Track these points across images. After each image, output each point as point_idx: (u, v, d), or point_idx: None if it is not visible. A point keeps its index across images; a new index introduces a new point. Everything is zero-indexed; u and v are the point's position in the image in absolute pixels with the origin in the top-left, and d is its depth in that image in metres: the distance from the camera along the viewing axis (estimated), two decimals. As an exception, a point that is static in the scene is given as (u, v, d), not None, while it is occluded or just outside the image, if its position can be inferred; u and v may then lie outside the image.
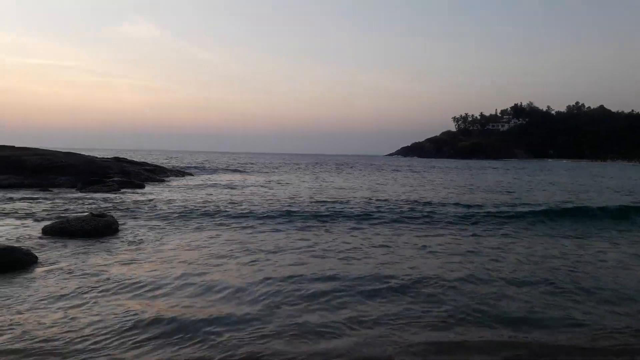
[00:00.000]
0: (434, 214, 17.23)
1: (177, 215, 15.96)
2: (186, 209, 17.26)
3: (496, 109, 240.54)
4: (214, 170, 50.50)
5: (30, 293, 7.28)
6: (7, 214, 15.56)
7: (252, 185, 31.01)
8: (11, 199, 19.99)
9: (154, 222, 14.49)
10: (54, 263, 9.16)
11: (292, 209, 17.50)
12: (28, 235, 12.05)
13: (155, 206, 18.28)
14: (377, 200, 21.65)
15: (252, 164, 73.32)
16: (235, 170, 52.03)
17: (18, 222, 14.18)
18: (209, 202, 20.00)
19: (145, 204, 18.89)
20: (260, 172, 49.51)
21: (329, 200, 21.26)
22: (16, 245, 10.01)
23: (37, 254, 9.50)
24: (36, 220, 14.63)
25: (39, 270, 8.64)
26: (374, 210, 18.08)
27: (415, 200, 21.91)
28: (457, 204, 20.24)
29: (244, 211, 16.99)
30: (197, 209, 17.30)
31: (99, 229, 12.47)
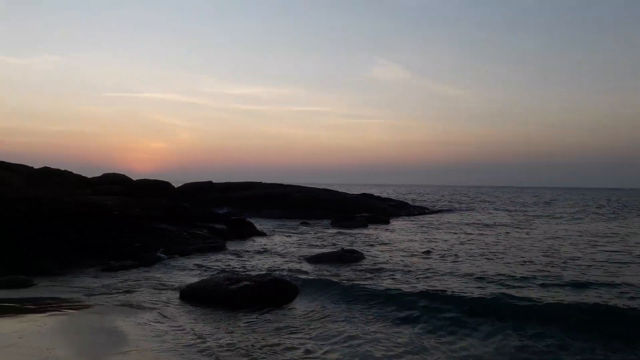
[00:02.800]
0: None
1: (420, 254, 15.72)
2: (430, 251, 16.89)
3: None
4: (468, 206, 48.62)
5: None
6: (267, 249, 17.69)
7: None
8: (281, 226, 22.96)
9: (400, 257, 14.49)
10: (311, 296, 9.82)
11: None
12: (290, 262, 13.37)
13: (391, 241, 18.49)
14: None
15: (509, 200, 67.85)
16: (500, 208, 45.65)
17: (277, 258, 15.90)
18: (449, 246, 19.23)
19: (385, 241, 19.28)
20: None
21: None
22: (276, 273, 11.11)
23: (299, 285, 10.33)
24: (296, 251, 16.23)
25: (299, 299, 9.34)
26: None
27: None
28: None
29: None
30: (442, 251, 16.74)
31: (348, 259, 13.15)
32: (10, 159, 29.55)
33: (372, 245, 17.87)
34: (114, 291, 10.16)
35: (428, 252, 15.85)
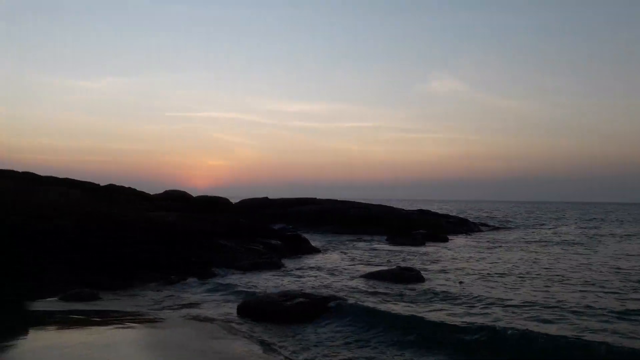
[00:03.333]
0: None
1: (481, 275, 15.11)
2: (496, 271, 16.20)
3: None
4: (531, 223, 46.45)
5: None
6: (321, 265, 17.59)
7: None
8: (336, 242, 22.90)
9: (459, 278, 13.97)
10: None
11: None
12: (344, 279, 13.21)
13: (450, 260, 17.91)
14: None
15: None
16: (567, 225, 43.66)
17: (332, 275, 15.78)
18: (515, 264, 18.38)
19: (443, 259, 18.72)
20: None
21: None
22: (330, 290, 10.98)
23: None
24: (351, 268, 16.06)
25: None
26: None
27: None
28: None
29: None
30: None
31: (404, 282, 12.82)
32: (79, 176, 31.27)
33: (429, 263, 17.40)
34: (175, 305, 10.40)
35: (490, 273, 15.11)
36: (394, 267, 14.79)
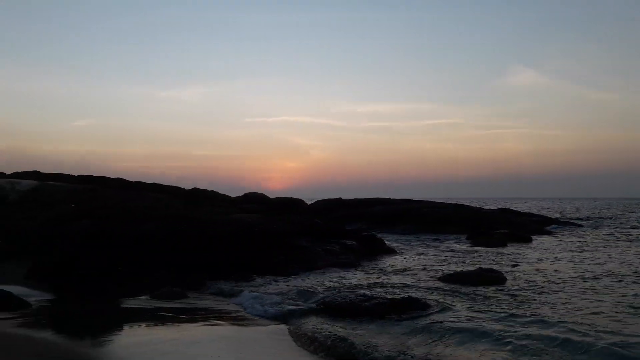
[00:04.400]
0: None
1: (573, 279, 14.24)
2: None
3: None
4: (625, 221, 42.54)
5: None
6: (398, 266, 17.40)
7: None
8: (412, 243, 22.59)
9: (546, 281, 13.27)
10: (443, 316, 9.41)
11: None
12: (425, 282, 13.01)
13: (535, 262, 17.01)
14: None
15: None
16: None
17: (408, 275, 15.58)
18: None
19: (527, 261, 17.85)
20: None
21: None
22: (416, 293, 10.84)
23: (431, 304, 9.96)
24: (427, 269, 15.77)
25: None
26: None
27: None
28: None
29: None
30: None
31: (485, 284, 12.38)
32: (164, 181, 33.18)
33: (512, 265, 16.66)
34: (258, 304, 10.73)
35: (583, 277, 14.03)
36: (475, 268, 14.34)
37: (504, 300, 10.80)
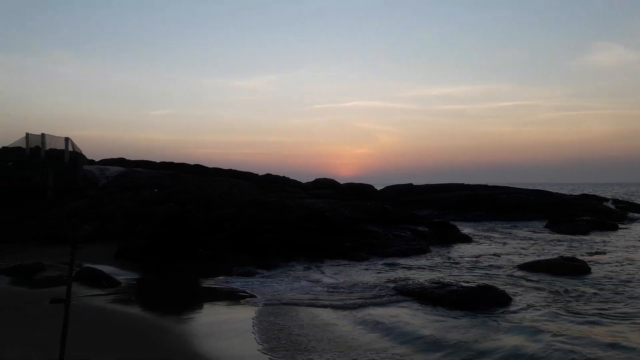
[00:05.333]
0: None
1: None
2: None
3: None
4: None
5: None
6: (472, 253, 16.88)
7: None
8: (487, 230, 21.89)
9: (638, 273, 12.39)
10: (523, 306, 9.04)
11: None
12: (503, 271, 12.59)
13: (623, 251, 15.86)
14: None
15: None
16: None
17: (484, 263, 15.10)
18: None
19: (614, 249, 16.70)
20: None
21: None
22: (492, 282, 10.53)
23: (510, 294, 9.61)
24: (504, 257, 15.22)
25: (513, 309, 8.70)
26: None
27: None
28: None
29: None
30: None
31: (567, 274, 11.76)
32: (239, 167, 34.30)
33: (597, 254, 15.71)
34: (330, 288, 10.90)
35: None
36: (555, 257, 13.67)
37: (589, 294, 10.15)
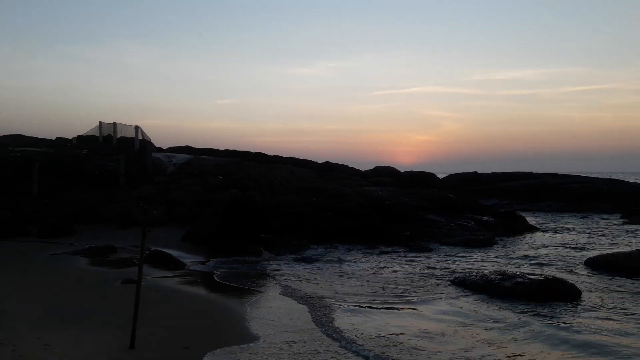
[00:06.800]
0: None
1: None
2: None
3: None
4: None
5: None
6: (540, 244, 16.14)
7: None
8: (556, 221, 20.87)
9: None
10: (595, 302, 8.53)
11: None
12: (572, 264, 11.98)
13: None
14: None
15: None
16: None
17: (553, 256, 14.41)
18: None
19: None
20: None
21: None
22: (561, 276, 10.03)
23: (580, 289, 9.12)
24: (575, 249, 14.46)
25: (581, 307, 8.24)
26: None
27: None
28: None
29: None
30: None
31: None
32: (299, 155, 34.60)
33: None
34: (387, 277, 10.81)
35: None
36: (633, 250, 12.79)
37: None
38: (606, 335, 6.75)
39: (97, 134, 24.56)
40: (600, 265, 11.67)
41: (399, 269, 11.45)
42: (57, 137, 29.60)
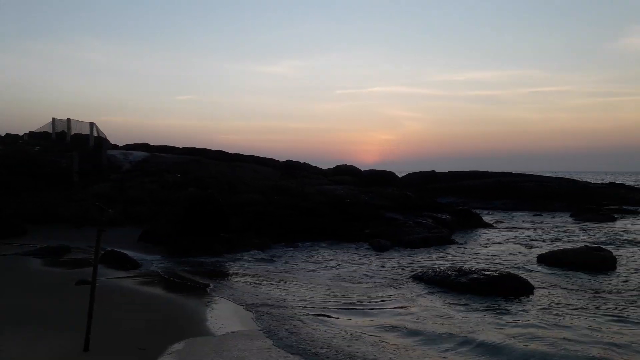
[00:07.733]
0: None
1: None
2: None
3: None
4: None
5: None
6: (494, 241, 16.68)
7: None
8: (511, 219, 21.59)
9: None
10: (547, 297, 8.89)
11: None
12: (525, 261, 12.41)
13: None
14: None
15: None
16: None
17: (506, 252, 14.92)
18: None
19: (649, 240, 16.29)
20: None
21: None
22: (515, 272, 10.38)
23: (533, 284, 9.47)
24: (528, 246, 15.01)
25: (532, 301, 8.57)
26: None
27: None
28: None
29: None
30: None
31: (592, 264, 11.48)
32: (261, 153, 34.44)
33: (624, 244, 15.37)
34: (348, 275, 10.91)
35: None
36: (581, 246, 13.39)
37: (614, 289, 9.95)
38: (548, 329, 7.04)
39: (50, 131, 23.68)
40: (551, 261, 12.14)
41: (358, 267, 11.57)
42: (6, 134, 28.37)
